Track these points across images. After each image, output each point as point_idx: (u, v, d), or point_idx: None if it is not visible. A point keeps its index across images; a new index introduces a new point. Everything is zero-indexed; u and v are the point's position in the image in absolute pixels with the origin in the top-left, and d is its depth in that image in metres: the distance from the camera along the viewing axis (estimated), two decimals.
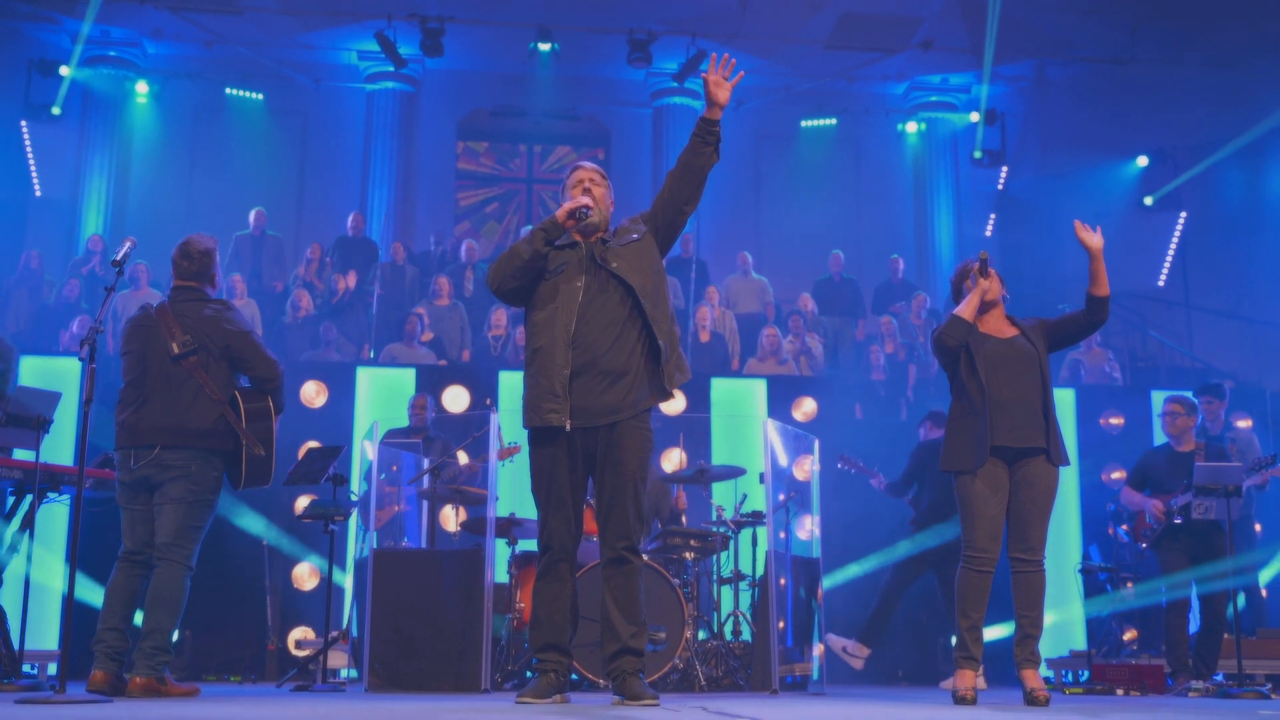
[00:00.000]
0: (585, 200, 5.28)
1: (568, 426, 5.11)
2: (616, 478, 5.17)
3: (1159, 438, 10.41)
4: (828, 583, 9.77)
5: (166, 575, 5.80)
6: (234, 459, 5.96)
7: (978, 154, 17.28)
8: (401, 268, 14.42)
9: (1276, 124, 15.80)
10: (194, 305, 6.00)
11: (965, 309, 6.04)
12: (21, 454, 6.89)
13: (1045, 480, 5.91)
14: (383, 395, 11.10)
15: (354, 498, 8.67)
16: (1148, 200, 17.09)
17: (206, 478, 5.89)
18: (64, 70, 15.74)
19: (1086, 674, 9.17)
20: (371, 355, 13.01)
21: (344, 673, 9.34)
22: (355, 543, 9.53)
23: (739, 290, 14.65)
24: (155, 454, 5.81)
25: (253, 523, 10.20)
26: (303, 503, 9.55)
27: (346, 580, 9.59)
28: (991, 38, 15.35)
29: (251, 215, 14.65)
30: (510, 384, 11.04)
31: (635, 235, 5.37)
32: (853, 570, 10.30)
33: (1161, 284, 17.02)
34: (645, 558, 7.61)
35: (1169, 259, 17.07)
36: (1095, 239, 6.15)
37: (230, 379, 6.00)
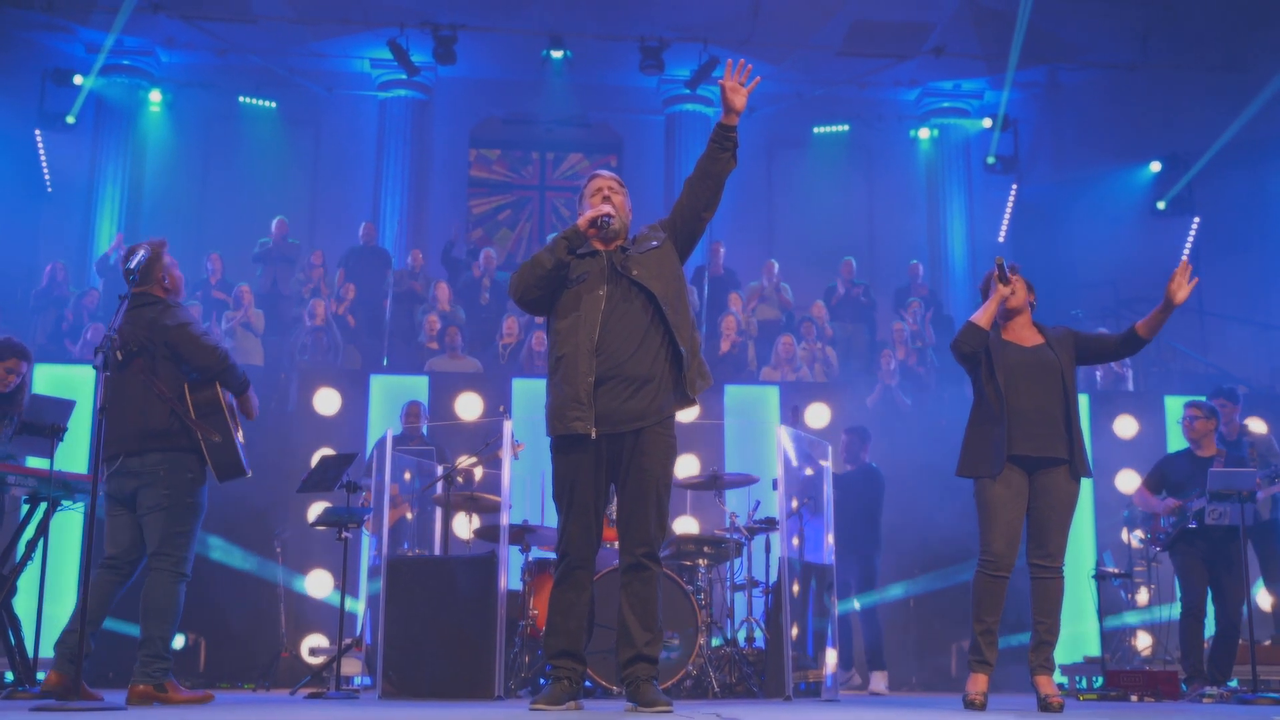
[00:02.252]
0: (607, 208, 5.29)
1: (593, 434, 5.12)
2: (640, 484, 5.18)
3: (1172, 444, 10.39)
4: (848, 606, 9.79)
5: (157, 583, 5.79)
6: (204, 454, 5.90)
7: (991, 160, 17.25)
8: (416, 275, 14.46)
9: None
10: (140, 310, 5.93)
11: (981, 315, 6.02)
12: (35, 461, 6.92)
13: (1065, 489, 5.90)
14: (396, 403, 11.12)
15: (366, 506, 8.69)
16: (1160, 205, 17.05)
17: (180, 480, 5.84)
18: (78, 79, 15.78)
19: (1100, 680, 9.14)
20: (387, 362, 13.03)
21: (358, 680, 9.36)
22: (368, 550, 9.55)
23: (761, 298, 14.63)
24: (120, 463, 5.81)
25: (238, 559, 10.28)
26: (316, 510, 9.57)
27: (360, 588, 9.61)
28: (1017, 46, 15.31)
29: (274, 224, 14.69)
30: (523, 391, 11.05)
31: (655, 242, 5.39)
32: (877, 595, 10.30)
33: None
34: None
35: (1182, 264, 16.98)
36: (1184, 294, 5.97)
37: (179, 376, 5.91)
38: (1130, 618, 10.32)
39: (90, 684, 5.78)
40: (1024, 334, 6.11)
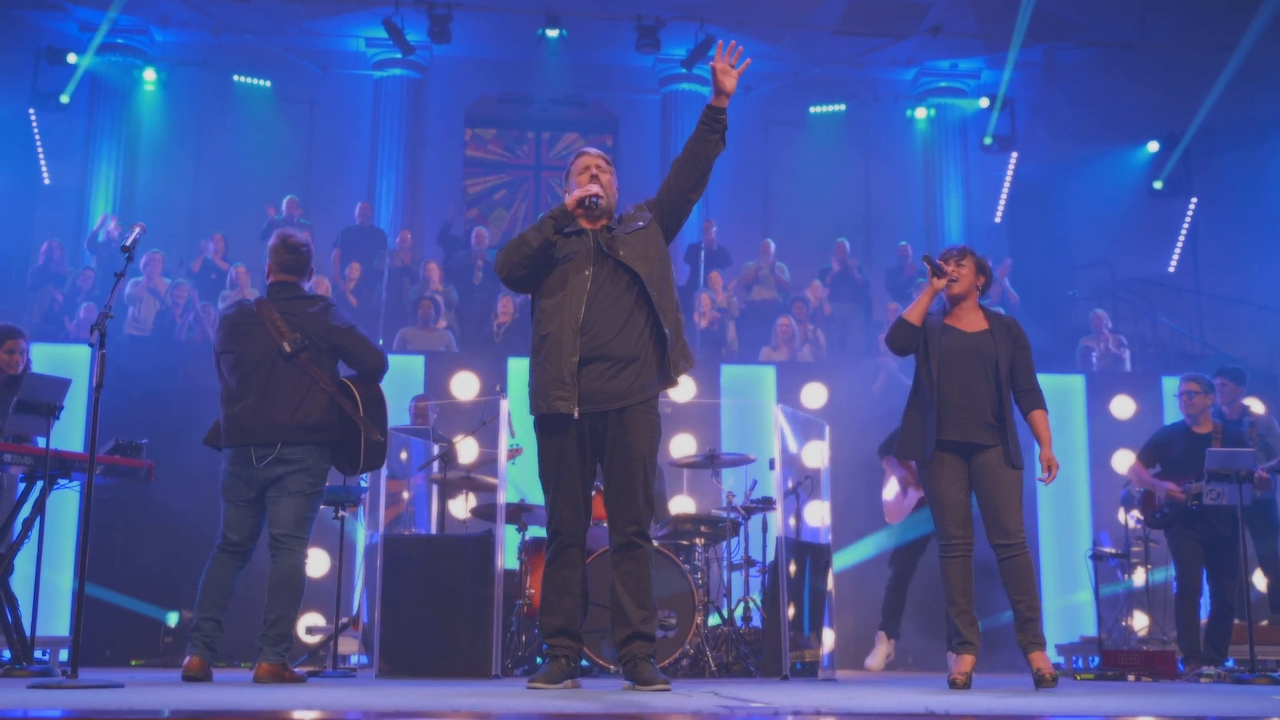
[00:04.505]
0: (595, 188, 5.27)
1: (576, 414, 5.11)
2: (625, 463, 5.17)
3: (1170, 422, 10.38)
4: (839, 563, 9.77)
5: (288, 563, 5.98)
6: (342, 447, 6.10)
7: (988, 140, 17.19)
8: (407, 254, 14.44)
9: None
10: (297, 303, 6.14)
11: (912, 311, 6.15)
12: None
13: (1003, 469, 5.99)
14: (392, 382, 11.08)
15: (364, 485, 8.67)
16: (1158, 185, 17.03)
17: (321, 469, 6.08)
18: (72, 58, 15.71)
19: (1097, 659, 9.15)
20: (380, 342, 13.02)
21: (354, 659, 9.36)
22: (365, 529, 9.54)
23: (757, 278, 14.61)
24: (278, 451, 5.94)
25: None
26: None
27: (357, 566, 9.60)
28: (1022, 26, 15.27)
29: (284, 203, 14.64)
30: (518, 370, 11.03)
31: (641, 223, 5.38)
32: (863, 551, 10.28)
33: (1172, 269, 16.96)
34: (655, 543, 7.62)
35: (1179, 244, 17.01)
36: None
37: (336, 372, 6.16)
38: (1128, 589, 10.33)
39: (85, 662, 5.80)
40: (967, 319, 6.19)
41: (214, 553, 6.09)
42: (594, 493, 5.50)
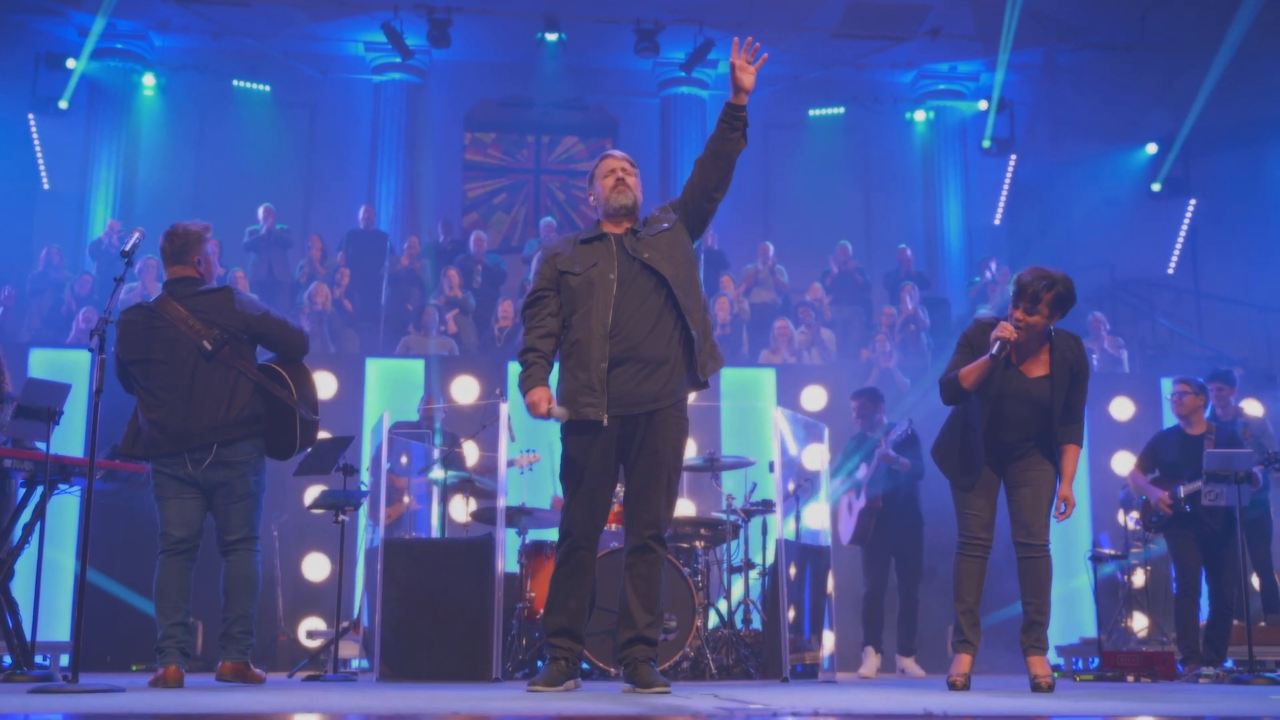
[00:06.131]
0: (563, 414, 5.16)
1: (605, 421, 5.11)
2: (651, 466, 5.17)
3: (1169, 424, 10.40)
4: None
5: (244, 563, 5.98)
6: (271, 433, 6.01)
7: (987, 143, 17.21)
8: (414, 260, 14.44)
9: None
10: (204, 297, 5.97)
11: (968, 376, 5.83)
12: None
13: (1039, 469, 5.93)
14: (392, 386, 11.11)
15: (364, 488, 8.69)
16: (1156, 187, 17.04)
17: (261, 465, 6.03)
18: (71, 63, 15.73)
19: (1096, 660, 9.16)
20: (388, 344, 13.03)
21: (355, 663, 9.36)
22: (365, 533, 9.55)
23: (756, 280, 14.61)
24: (215, 452, 5.84)
25: None
26: (313, 493, 9.56)
27: (357, 570, 9.60)
28: (1011, 27, 15.30)
29: (260, 211, 14.63)
30: (519, 374, 11.02)
31: (665, 224, 5.37)
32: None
33: (1171, 271, 16.98)
34: None
35: (1178, 246, 17.03)
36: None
37: (255, 358, 6.05)
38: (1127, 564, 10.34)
39: (86, 668, 5.79)
40: (1034, 363, 5.91)
41: (159, 558, 5.91)
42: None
